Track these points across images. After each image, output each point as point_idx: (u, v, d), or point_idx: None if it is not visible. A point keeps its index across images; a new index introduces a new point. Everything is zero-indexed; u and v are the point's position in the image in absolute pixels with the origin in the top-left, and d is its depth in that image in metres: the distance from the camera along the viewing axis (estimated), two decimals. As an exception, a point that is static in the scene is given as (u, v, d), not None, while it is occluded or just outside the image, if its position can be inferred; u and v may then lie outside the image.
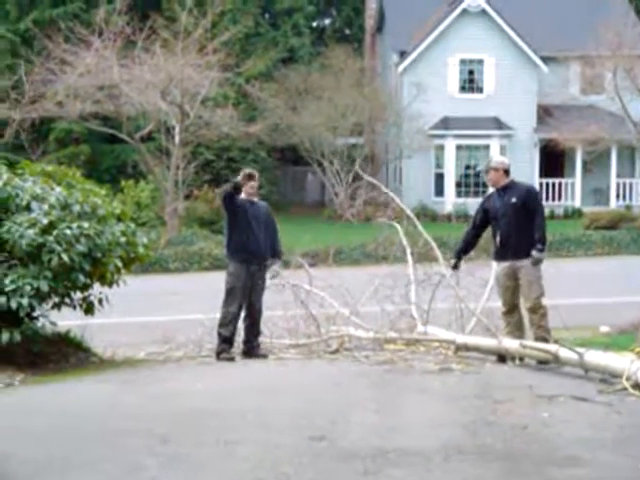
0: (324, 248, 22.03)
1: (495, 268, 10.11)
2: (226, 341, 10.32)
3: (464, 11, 37.47)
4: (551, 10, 39.77)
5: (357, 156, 35.42)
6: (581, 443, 6.17)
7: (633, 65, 34.13)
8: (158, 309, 16.36)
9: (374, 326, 11.41)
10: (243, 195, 10.51)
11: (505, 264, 9.82)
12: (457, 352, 10.23)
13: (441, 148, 37.38)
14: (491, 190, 10.65)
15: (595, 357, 8.41)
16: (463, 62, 37.82)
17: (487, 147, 37.14)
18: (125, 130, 30.94)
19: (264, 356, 10.42)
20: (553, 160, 38.31)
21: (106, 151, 40.46)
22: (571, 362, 8.65)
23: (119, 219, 10.38)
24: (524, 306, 9.88)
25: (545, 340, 9.59)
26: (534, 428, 6.62)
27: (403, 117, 36.64)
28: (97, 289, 10.10)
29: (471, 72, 37.98)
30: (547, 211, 37.08)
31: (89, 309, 10.12)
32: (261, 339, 10.84)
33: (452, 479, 5.53)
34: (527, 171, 37.56)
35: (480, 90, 37.91)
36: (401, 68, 37.92)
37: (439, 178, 37.45)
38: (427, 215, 33.90)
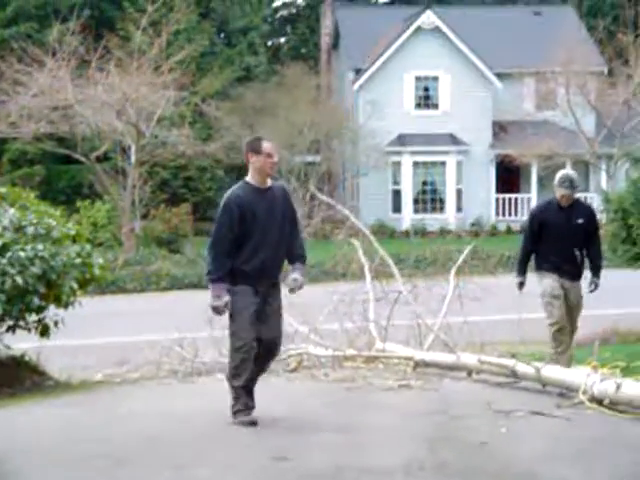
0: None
1: (547, 281, 9.45)
2: (240, 394, 7.36)
3: (419, 28, 37.77)
4: (504, 27, 40.22)
5: (314, 174, 35.46)
6: (539, 458, 6.18)
7: (585, 81, 34.60)
8: (115, 330, 16.21)
9: (333, 344, 11.39)
10: (252, 178, 7.52)
11: (562, 280, 9.41)
12: (416, 368, 10.23)
13: (398, 165, 37.55)
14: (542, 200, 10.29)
15: (552, 371, 8.45)
16: (418, 79, 38.08)
17: (443, 163, 37.40)
18: (80, 150, 30.75)
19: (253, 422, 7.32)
20: (509, 176, 38.65)
21: (61, 172, 40.17)
22: (529, 377, 8.68)
23: (74, 240, 10.29)
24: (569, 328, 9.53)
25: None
26: (492, 444, 6.63)
27: (359, 134, 36.78)
28: (52, 311, 9.99)
29: (426, 89, 38.25)
30: (504, 226, 37.79)
31: (44, 331, 10.00)
32: (219, 358, 10.70)
33: (412, 496, 5.52)
34: (483, 187, 37.95)
35: (435, 107, 38.18)
36: (357, 85, 38.09)
37: (396, 195, 37.61)
38: (385, 232, 34.02)
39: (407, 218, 36.95)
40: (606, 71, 37.16)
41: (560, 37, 33.28)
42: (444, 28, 37.66)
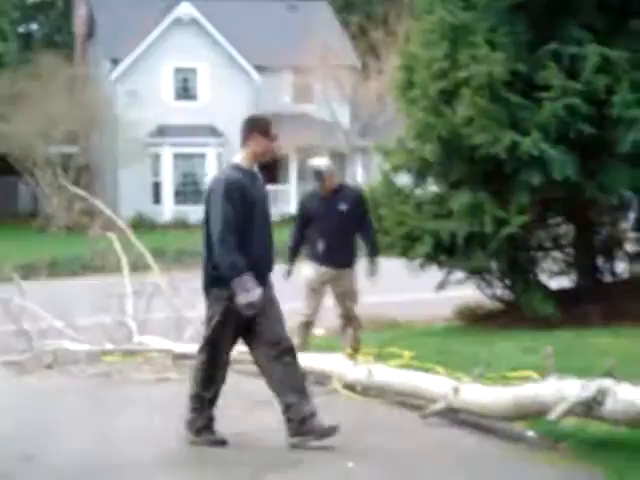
0: (38, 260, 21.41)
1: (310, 272, 9.32)
2: (204, 406, 6.52)
3: (177, 20, 37.59)
4: (262, 20, 40.64)
5: (72, 165, 34.56)
6: (294, 446, 6.29)
7: (341, 75, 35.56)
8: None
9: (91, 338, 11.17)
10: (244, 160, 6.57)
11: (325, 270, 9.24)
12: (175, 361, 10.18)
13: (157, 156, 37.23)
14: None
15: (309, 360, 8.61)
16: (178, 70, 37.92)
17: (204, 155, 37.40)
18: None
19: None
20: (268, 167, 39.02)
21: None
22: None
23: None
24: (341, 313, 9.52)
25: (356, 350, 9.31)
26: (251, 434, 6.70)
27: (118, 125, 36.17)
28: None
29: (185, 80, 38.14)
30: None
31: None
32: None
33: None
34: (243, 178, 38.24)
35: (195, 98, 38.13)
36: (114, 76, 37.45)
37: (156, 187, 37.32)
38: (145, 224, 33.56)
39: (168, 210, 36.71)
40: (360, 66, 38.28)
41: (316, 31, 34.01)
42: (202, 20, 37.65)
